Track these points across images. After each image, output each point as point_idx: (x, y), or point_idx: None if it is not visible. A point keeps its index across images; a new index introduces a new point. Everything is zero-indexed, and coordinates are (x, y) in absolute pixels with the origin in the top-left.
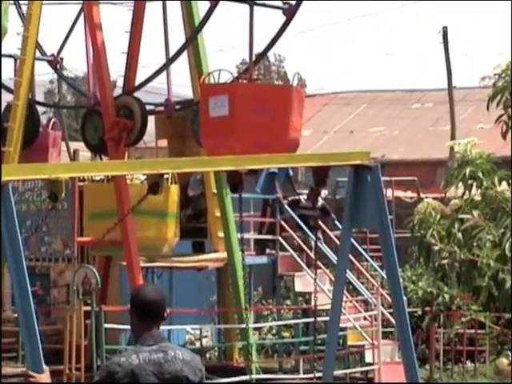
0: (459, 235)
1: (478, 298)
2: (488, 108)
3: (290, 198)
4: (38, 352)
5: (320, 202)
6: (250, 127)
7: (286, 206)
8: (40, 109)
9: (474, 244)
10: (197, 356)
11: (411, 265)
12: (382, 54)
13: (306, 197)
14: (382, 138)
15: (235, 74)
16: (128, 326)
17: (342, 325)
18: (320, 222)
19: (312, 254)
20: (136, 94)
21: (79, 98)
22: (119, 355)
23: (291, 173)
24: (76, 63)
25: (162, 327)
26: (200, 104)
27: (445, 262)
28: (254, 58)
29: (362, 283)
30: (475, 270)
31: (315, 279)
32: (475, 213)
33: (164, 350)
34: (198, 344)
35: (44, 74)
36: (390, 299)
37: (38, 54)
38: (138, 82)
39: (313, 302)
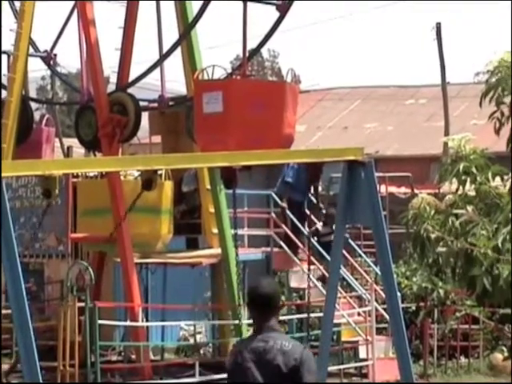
0: (457, 223)
1: (473, 291)
2: (481, 105)
3: (308, 231)
4: (32, 348)
5: None
6: (243, 123)
7: (312, 240)
8: (33, 105)
9: (469, 239)
10: (299, 346)
11: (405, 260)
12: (375, 50)
13: (321, 224)
14: (376, 134)
15: (229, 70)
16: (122, 323)
17: (335, 321)
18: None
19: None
20: (130, 90)
21: (71, 94)
22: (241, 340)
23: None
24: (69, 59)
25: (155, 323)
26: (194, 100)
27: (441, 250)
28: (247, 54)
29: (356, 279)
30: (471, 261)
31: (308, 275)
32: (469, 208)
33: (266, 340)
34: (191, 340)
35: (36, 70)
36: (383, 295)
37: (31, 50)
38: (131, 78)
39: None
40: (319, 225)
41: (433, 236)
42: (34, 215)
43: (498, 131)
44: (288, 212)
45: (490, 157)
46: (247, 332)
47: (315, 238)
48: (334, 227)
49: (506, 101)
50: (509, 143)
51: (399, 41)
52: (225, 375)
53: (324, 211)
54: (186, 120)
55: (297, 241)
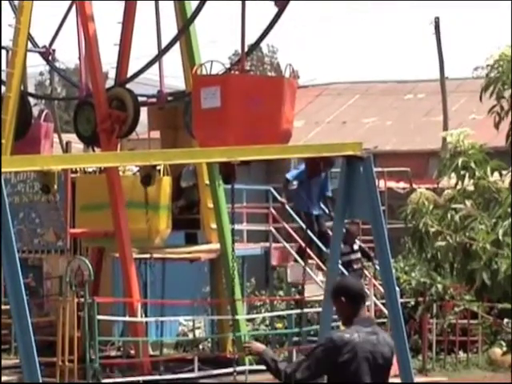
0: (456, 218)
1: (472, 286)
2: (481, 99)
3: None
4: (31, 344)
5: (357, 243)
6: (242, 118)
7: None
8: (31, 101)
9: (467, 234)
10: (392, 339)
11: (404, 255)
12: (374, 45)
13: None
14: (375, 129)
15: (227, 66)
16: (121, 318)
17: (334, 315)
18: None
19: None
20: (128, 86)
21: (70, 89)
22: (342, 331)
23: (330, 192)
24: (68, 55)
25: (154, 318)
26: (192, 95)
27: (440, 244)
28: (246, 50)
29: None
30: (470, 255)
31: (304, 269)
32: (468, 203)
33: (376, 333)
34: (190, 335)
35: (34, 65)
36: (382, 290)
37: (29, 45)
38: (130, 73)
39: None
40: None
41: (432, 230)
42: (33, 211)
43: (497, 125)
44: (302, 224)
45: (488, 152)
46: (246, 327)
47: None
48: (353, 246)
49: (506, 95)
50: (508, 137)
51: (398, 36)
52: (225, 370)
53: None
54: (185, 115)
55: (312, 254)
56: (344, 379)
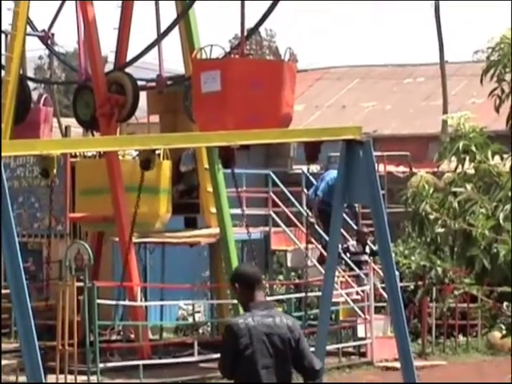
0: (455, 204)
1: (472, 270)
2: (482, 82)
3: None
4: (31, 328)
5: (370, 245)
6: (241, 102)
7: (341, 253)
8: (30, 85)
9: (467, 217)
10: (296, 321)
11: (403, 239)
12: (373, 29)
13: (354, 243)
14: (374, 113)
15: (227, 49)
16: (121, 302)
17: (334, 300)
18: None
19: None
20: (128, 70)
21: (69, 73)
22: (237, 317)
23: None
24: (67, 39)
25: (154, 303)
26: (192, 79)
27: (440, 230)
28: (245, 33)
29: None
30: (470, 240)
31: (306, 254)
32: (468, 186)
33: (272, 316)
34: (190, 319)
35: (34, 49)
36: (382, 274)
37: (28, 29)
38: (129, 57)
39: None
40: (351, 243)
41: (431, 217)
42: (33, 195)
43: (497, 108)
44: (317, 227)
45: (489, 135)
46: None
47: (347, 255)
48: (365, 247)
49: (507, 78)
50: (509, 120)
51: (397, 19)
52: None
53: (356, 227)
54: (184, 99)
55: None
56: (244, 364)
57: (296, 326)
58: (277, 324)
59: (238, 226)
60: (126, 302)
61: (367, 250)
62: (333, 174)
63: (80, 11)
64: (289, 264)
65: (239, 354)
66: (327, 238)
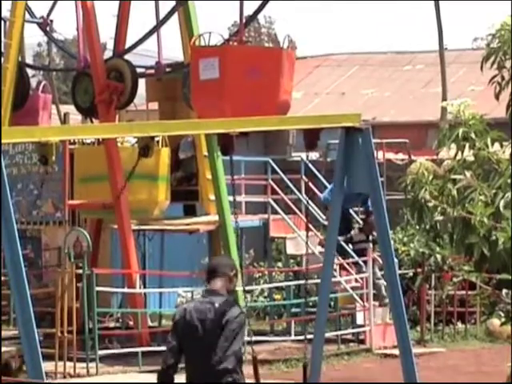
0: (454, 192)
1: (471, 257)
2: (482, 68)
3: (341, 238)
4: (30, 315)
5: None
6: (240, 89)
7: (342, 243)
8: (29, 72)
9: (466, 205)
10: (237, 309)
11: (402, 227)
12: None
13: (357, 231)
14: (373, 100)
15: (226, 37)
16: (120, 289)
17: (333, 287)
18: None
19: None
20: (127, 57)
21: (68, 60)
22: (189, 302)
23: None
24: (66, 25)
25: (153, 290)
26: (190, 66)
27: (439, 217)
28: (244, 21)
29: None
30: (469, 228)
31: (306, 242)
32: (468, 173)
33: (212, 302)
34: None
35: (32, 36)
36: (381, 261)
37: (27, 16)
38: (128, 44)
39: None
40: (354, 231)
41: (431, 204)
42: (31, 182)
43: (497, 96)
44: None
45: (488, 123)
46: (243, 298)
47: (349, 245)
48: (369, 236)
49: (507, 65)
50: (508, 108)
51: (397, 6)
52: None
53: (363, 217)
54: (183, 86)
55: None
56: (183, 347)
57: (232, 314)
58: (213, 310)
59: (237, 213)
60: (125, 290)
61: (371, 238)
62: None
63: None
64: (288, 251)
65: (180, 338)
66: (339, 238)
